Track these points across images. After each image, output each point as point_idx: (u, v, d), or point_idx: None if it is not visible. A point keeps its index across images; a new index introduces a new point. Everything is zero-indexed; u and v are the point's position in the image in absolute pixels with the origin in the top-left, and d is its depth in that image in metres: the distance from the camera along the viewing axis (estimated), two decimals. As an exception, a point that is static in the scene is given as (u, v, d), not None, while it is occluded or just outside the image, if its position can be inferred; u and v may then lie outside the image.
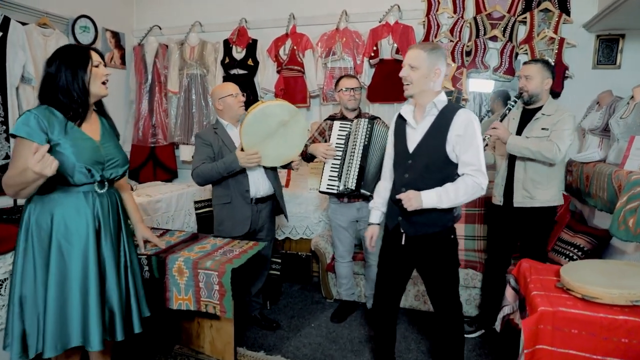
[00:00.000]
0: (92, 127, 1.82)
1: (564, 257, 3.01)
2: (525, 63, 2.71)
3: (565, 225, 3.21)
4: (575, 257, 2.94)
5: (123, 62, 4.66)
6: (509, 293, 2.20)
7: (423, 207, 1.96)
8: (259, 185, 2.71)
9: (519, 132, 2.67)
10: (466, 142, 1.94)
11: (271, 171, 2.80)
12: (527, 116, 2.68)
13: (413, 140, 2.05)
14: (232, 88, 2.70)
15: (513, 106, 2.64)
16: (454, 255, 2.14)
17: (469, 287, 3.10)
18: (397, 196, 2.01)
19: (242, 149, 2.54)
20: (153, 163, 4.60)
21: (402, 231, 2.09)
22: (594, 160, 3.07)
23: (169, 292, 2.10)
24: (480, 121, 4.32)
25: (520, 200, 2.64)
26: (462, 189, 1.95)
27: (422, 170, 2.00)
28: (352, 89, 2.92)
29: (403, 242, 2.10)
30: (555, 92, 3.46)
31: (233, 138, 2.70)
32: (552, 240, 3.16)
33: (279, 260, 3.37)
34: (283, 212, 2.94)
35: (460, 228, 3.57)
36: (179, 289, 2.08)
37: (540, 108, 2.64)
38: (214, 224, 2.77)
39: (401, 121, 2.16)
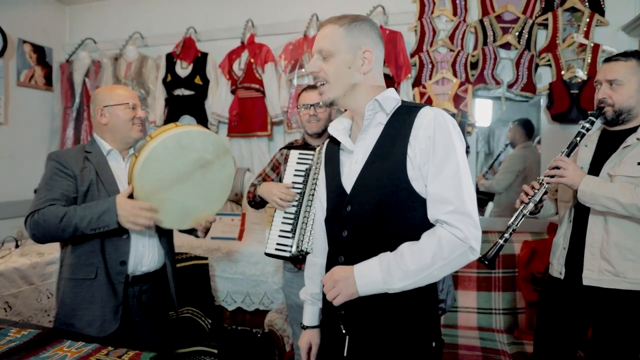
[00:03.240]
0: None
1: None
2: (607, 60, 1.74)
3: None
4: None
5: (48, 83, 3.80)
6: None
7: (360, 295, 1.11)
8: (142, 255, 1.71)
9: (595, 166, 1.71)
10: (437, 160, 1.11)
11: (166, 233, 1.82)
12: (610, 142, 1.71)
13: (351, 171, 1.23)
14: (127, 95, 1.76)
15: (588, 129, 1.67)
16: None
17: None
18: (322, 280, 1.17)
19: (130, 196, 1.58)
20: (78, 207, 3.64)
21: (345, 332, 1.22)
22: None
23: None
24: (494, 159, 3.50)
25: (595, 276, 1.64)
26: (428, 251, 1.07)
27: (370, 221, 1.16)
28: (313, 105, 2.03)
29: (345, 353, 1.21)
30: (591, 114, 2.61)
31: (116, 173, 1.72)
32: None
33: (215, 350, 2.38)
34: (172, 299, 1.87)
35: (471, 297, 2.62)
36: None
37: (632, 131, 1.67)
38: (57, 311, 1.68)
39: (333, 147, 1.33)
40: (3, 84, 3.39)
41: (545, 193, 1.67)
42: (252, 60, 3.12)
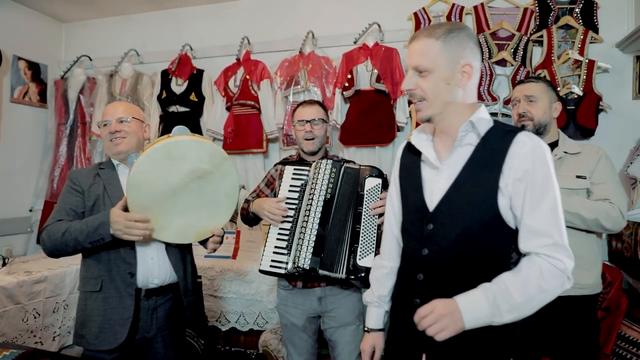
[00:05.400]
0: None
1: (631, 366, 2.01)
2: (520, 82, 1.89)
3: (625, 315, 2.22)
4: (655, 370, 1.94)
5: (43, 99, 3.77)
6: None
7: (466, 329, 1.07)
8: (152, 268, 1.67)
9: None
10: (535, 193, 1.09)
11: (176, 247, 1.74)
12: None
13: (435, 189, 1.20)
14: (106, 112, 1.73)
15: None
16: None
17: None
18: (415, 317, 1.11)
19: (125, 209, 1.55)
20: (70, 225, 3.57)
21: (422, 349, 1.20)
22: (658, 221, 2.18)
23: None
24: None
25: None
26: (532, 282, 1.06)
27: (453, 245, 1.15)
28: (309, 121, 1.98)
29: None
30: (587, 130, 2.60)
31: (125, 186, 1.68)
32: (610, 340, 2.16)
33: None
34: (187, 315, 1.79)
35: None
36: None
37: (553, 145, 1.81)
38: (75, 323, 1.70)
39: (412, 156, 1.29)
40: (-4, 101, 3.37)
41: None
42: (247, 77, 3.11)
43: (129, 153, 1.72)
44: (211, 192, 1.63)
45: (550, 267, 1.07)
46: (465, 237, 1.12)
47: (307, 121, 1.97)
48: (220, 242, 1.78)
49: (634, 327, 2.14)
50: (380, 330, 1.39)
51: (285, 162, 2.09)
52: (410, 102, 2.92)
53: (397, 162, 1.36)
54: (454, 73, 1.13)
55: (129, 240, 1.56)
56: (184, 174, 1.57)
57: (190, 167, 1.57)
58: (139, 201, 1.53)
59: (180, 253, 1.76)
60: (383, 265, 1.40)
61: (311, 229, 1.79)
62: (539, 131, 1.79)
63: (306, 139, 1.98)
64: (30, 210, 3.70)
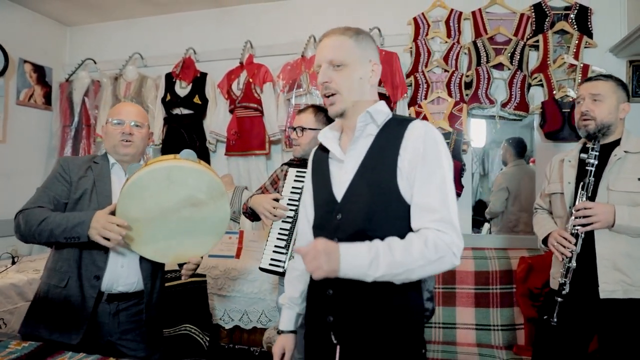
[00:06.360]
0: None
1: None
2: (588, 80, 1.79)
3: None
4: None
5: (48, 102, 3.83)
6: None
7: (340, 274, 1.06)
8: (119, 275, 1.65)
9: (581, 180, 1.72)
10: (424, 171, 1.14)
11: (149, 260, 1.70)
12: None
13: (342, 180, 1.25)
14: (120, 111, 1.74)
15: (594, 164, 1.67)
16: None
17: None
18: (296, 249, 1.15)
19: (113, 213, 1.54)
20: (75, 225, 3.62)
21: (335, 342, 1.21)
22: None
23: None
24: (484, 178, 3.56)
25: (610, 287, 1.64)
26: (416, 247, 1.07)
27: (360, 231, 1.17)
28: (294, 128, 2.05)
29: None
30: (583, 132, 2.67)
31: (115, 186, 1.70)
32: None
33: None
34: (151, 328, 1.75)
35: (469, 313, 2.62)
36: None
37: (615, 144, 1.72)
38: (27, 313, 1.67)
39: (321, 154, 1.36)
40: (3, 103, 3.42)
41: (577, 237, 1.68)
42: (250, 80, 3.17)
43: (134, 156, 1.75)
44: (200, 221, 1.61)
45: (435, 238, 1.08)
46: (371, 222, 1.16)
47: (294, 128, 2.06)
48: (194, 270, 1.73)
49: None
50: (291, 332, 1.40)
51: (290, 163, 2.16)
52: (409, 105, 2.99)
53: (310, 163, 1.40)
54: (366, 70, 1.22)
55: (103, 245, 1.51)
56: (179, 199, 1.56)
57: (186, 194, 1.56)
58: (128, 213, 1.52)
59: (152, 266, 1.73)
60: (295, 268, 1.42)
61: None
62: (602, 132, 1.70)
63: (294, 145, 2.07)
64: (35, 211, 3.75)
